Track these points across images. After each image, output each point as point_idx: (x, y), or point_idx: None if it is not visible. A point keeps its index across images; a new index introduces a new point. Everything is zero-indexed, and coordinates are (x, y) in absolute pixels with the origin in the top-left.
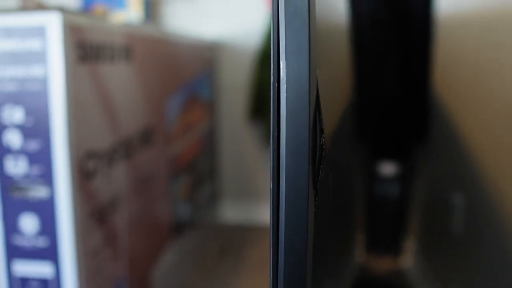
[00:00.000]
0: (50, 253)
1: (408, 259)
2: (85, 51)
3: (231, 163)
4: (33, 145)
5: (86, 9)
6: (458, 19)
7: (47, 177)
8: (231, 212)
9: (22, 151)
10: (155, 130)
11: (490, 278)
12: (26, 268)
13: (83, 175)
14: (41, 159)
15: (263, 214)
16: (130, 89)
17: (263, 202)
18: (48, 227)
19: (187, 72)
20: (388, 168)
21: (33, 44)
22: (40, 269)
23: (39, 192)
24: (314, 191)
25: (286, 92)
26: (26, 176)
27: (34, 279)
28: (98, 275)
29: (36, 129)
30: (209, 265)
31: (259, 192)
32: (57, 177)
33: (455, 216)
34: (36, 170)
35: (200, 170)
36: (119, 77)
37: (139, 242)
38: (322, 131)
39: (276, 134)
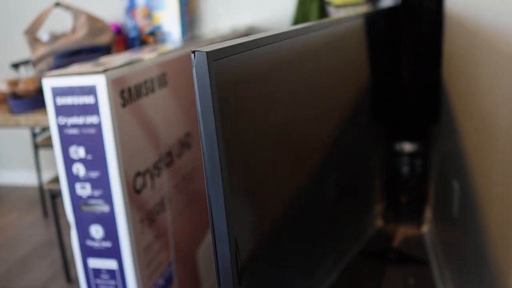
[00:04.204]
0: (113, 252)
1: (425, 226)
2: (127, 96)
3: None
4: (94, 174)
5: (131, 9)
6: (464, 17)
7: (106, 197)
8: None
9: (86, 178)
10: (192, 133)
11: (474, 256)
12: (97, 262)
13: (133, 192)
14: (101, 183)
15: None
16: (168, 107)
17: None
18: (111, 233)
19: None
20: (409, 146)
21: (88, 99)
22: (107, 263)
23: (102, 207)
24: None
25: None
26: (91, 196)
27: (103, 270)
28: (152, 263)
29: (95, 162)
30: None
31: None
32: (114, 196)
33: (454, 199)
34: (97, 192)
35: None
36: (158, 102)
37: (184, 229)
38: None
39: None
